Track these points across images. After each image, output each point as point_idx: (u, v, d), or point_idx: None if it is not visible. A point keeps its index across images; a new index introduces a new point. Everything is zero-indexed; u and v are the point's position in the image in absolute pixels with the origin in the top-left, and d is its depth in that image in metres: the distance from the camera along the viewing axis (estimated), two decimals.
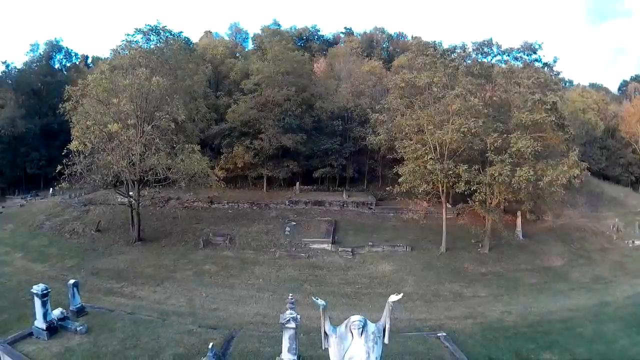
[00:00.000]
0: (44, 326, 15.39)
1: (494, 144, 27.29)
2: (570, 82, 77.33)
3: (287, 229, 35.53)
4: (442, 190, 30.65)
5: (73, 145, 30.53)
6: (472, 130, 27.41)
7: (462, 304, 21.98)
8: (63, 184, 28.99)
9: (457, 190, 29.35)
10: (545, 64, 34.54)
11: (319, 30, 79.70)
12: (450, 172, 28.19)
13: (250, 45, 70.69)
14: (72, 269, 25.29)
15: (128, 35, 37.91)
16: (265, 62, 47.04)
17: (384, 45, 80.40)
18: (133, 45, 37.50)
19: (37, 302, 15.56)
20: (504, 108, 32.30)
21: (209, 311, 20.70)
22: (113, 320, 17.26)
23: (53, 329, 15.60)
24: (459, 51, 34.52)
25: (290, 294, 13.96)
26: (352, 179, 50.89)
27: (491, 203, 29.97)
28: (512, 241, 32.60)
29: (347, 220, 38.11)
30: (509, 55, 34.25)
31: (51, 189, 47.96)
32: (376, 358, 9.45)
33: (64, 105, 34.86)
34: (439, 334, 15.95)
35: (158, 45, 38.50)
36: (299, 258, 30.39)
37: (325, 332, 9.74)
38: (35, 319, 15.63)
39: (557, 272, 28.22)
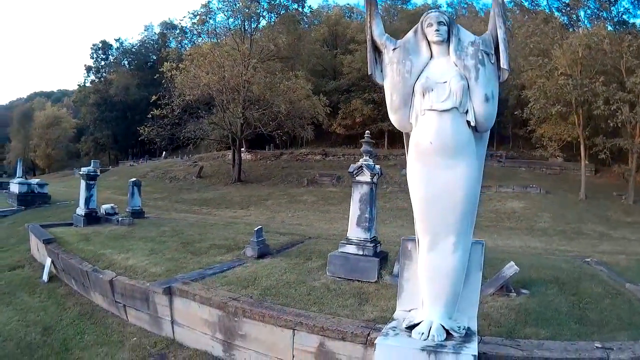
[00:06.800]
0: (82, 212, 13.73)
1: (629, 47, 25.00)
2: None
3: (404, 170, 31.40)
4: (579, 123, 28.11)
5: (165, 66, 30.75)
6: (602, 37, 25.49)
7: (609, 242, 17.65)
8: (156, 111, 29.30)
9: (594, 112, 26.13)
10: None
11: (440, 6, 78.69)
12: (586, 89, 25.37)
13: None
14: (157, 199, 24.43)
15: None
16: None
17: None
18: None
19: (82, 185, 14.12)
20: None
21: (288, 225, 17.62)
22: (168, 221, 14.96)
23: (94, 218, 13.85)
24: None
25: (367, 131, 9.48)
26: None
27: (636, 135, 26.65)
28: None
29: None
30: None
31: (164, 152, 50.21)
32: (486, 96, 3.99)
33: (166, 51, 35.94)
34: (586, 259, 11.48)
35: None
36: None
37: (372, 43, 4.43)
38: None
39: None
